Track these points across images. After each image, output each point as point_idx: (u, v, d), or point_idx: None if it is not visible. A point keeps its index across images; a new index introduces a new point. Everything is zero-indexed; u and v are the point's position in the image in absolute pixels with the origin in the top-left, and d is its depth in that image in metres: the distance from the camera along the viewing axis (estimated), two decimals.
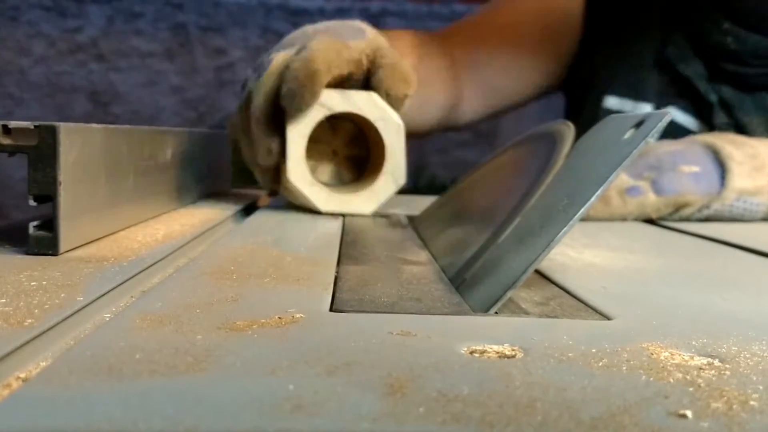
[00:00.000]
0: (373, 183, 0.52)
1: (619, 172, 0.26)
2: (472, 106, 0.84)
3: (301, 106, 0.48)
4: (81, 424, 0.14)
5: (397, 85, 0.51)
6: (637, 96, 0.77)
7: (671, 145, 0.57)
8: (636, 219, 0.56)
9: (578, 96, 0.85)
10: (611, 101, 0.79)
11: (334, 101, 0.50)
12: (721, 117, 0.73)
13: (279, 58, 0.50)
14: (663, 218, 0.56)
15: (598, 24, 0.81)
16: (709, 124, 0.72)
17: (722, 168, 0.55)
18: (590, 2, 0.82)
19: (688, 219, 0.56)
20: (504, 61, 0.82)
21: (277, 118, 0.50)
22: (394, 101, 0.52)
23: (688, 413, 0.16)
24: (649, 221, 0.56)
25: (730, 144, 0.56)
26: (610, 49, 0.80)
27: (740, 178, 0.54)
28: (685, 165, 0.55)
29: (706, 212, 0.55)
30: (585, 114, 0.79)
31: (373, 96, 0.51)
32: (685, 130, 0.73)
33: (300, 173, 0.50)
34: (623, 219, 0.55)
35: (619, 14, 0.81)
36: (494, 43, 0.82)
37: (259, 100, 0.49)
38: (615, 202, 0.54)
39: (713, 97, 0.73)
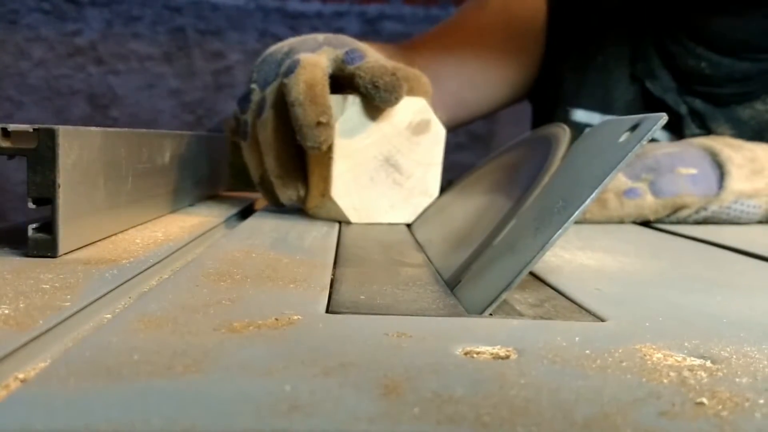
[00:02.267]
0: (410, 193, 0.51)
1: (614, 175, 0.26)
2: (439, 118, 0.83)
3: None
4: (79, 425, 0.14)
5: (425, 97, 0.51)
6: (606, 109, 0.78)
7: (668, 147, 0.57)
8: (633, 221, 0.56)
9: (545, 108, 0.85)
10: (579, 114, 0.79)
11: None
12: (692, 128, 0.73)
13: (315, 56, 0.48)
14: (660, 220, 0.56)
15: (563, 36, 0.82)
16: (679, 136, 0.72)
17: (720, 170, 0.55)
18: (553, 14, 0.82)
19: (685, 221, 0.56)
20: (469, 73, 0.82)
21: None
22: None
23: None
24: (644, 224, 0.56)
25: (728, 147, 0.57)
26: (577, 61, 0.80)
27: (739, 181, 0.54)
28: (683, 167, 0.55)
29: (703, 214, 0.55)
30: None
31: (424, 103, 0.50)
32: (655, 143, 0.73)
33: (344, 189, 0.49)
34: (620, 221, 0.55)
35: (585, 28, 0.81)
36: (459, 54, 0.82)
37: (301, 87, 0.46)
38: (612, 205, 0.54)
39: (683, 109, 0.74)
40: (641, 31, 0.77)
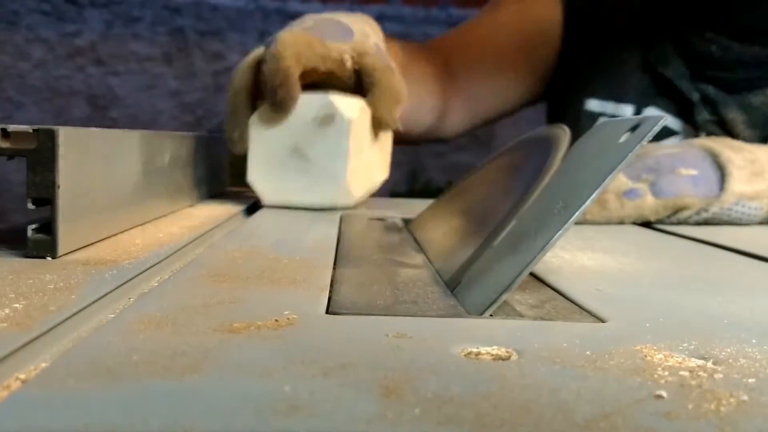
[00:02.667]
0: (317, 178, 0.57)
1: (614, 176, 0.26)
2: (458, 117, 0.84)
3: (286, 109, 0.54)
4: (79, 425, 0.14)
5: (390, 109, 0.57)
6: (618, 97, 0.78)
7: (669, 148, 0.57)
8: (634, 222, 0.56)
9: (559, 101, 0.85)
10: (592, 104, 0.80)
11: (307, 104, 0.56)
12: (704, 114, 0.74)
13: (245, 62, 0.56)
14: (660, 221, 0.56)
15: (579, 32, 0.82)
16: (691, 123, 0.73)
17: (721, 171, 0.55)
18: (569, 11, 0.83)
19: (685, 222, 0.56)
20: (486, 73, 0.83)
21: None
22: (383, 125, 0.58)
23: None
24: (645, 224, 0.56)
25: (729, 148, 0.57)
26: (592, 54, 0.81)
27: (740, 182, 0.54)
28: (684, 168, 0.55)
29: (704, 215, 0.55)
30: (567, 118, 0.80)
31: (329, 99, 0.56)
32: (668, 129, 0.74)
33: (259, 173, 0.57)
34: (621, 222, 0.55)
35: (601, 23, 0.81)
36: (476, 55, 0.84)
37: (229, 94, 0.57)
38: (612, 206, 0.54)
39: (695, 95, 0.74)
40: (654, 17, 0.78)
